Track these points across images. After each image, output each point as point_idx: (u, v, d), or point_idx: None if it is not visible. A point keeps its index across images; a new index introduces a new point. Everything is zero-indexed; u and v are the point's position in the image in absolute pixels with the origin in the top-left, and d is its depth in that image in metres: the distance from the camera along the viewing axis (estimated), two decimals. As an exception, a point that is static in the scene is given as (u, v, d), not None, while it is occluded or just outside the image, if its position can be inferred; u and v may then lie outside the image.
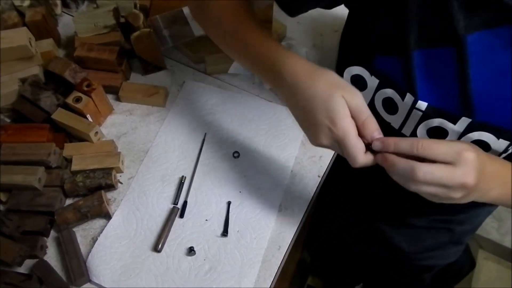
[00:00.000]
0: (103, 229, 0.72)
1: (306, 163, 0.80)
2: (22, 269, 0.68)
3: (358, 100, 0.49)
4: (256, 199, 0.76)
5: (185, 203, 0.75)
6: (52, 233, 0.73)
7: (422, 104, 0.55)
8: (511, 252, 1.59)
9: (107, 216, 0.74)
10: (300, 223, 0.74)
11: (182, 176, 0.77)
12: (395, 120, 0.61)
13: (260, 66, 0.58)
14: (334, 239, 1.11)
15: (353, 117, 0.49)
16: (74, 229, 0.73)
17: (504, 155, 0.54)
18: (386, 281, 1.10)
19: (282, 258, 0.71)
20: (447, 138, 0.56)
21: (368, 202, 0.88)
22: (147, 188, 0.76)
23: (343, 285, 1.39)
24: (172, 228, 0.72)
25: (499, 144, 0.53)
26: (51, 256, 0.71)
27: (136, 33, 0.82)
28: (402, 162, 0.46)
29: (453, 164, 0.45)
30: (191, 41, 0.89)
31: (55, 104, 0.79)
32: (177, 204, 0.75)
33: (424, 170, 0.45)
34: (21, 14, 0.88)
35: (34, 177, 0.71)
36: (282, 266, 0.71)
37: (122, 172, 0.78)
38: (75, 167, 0.76)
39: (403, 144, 0.47)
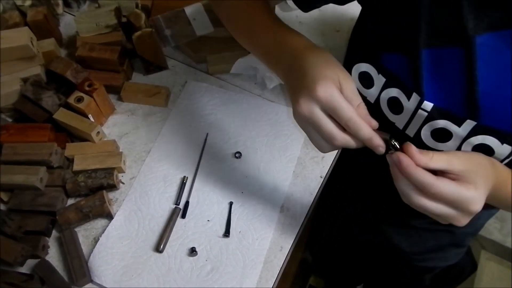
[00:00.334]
0: (105, 229, 0.72)
1: (308, 163, 0.80)
2: (23, 269, 0.68)
3: (354, 85, 0.49)
4: (258, 199, 0.75)
5: (187, 203, 0.75)
6: (54, 233, 0.73)
7: (428, 105, 0.54)
8: (513, 253, 1.58)
9: (109, 216, 0.73)
10: (302, 224, 0.74)
11: (184, 177, 0.77)
12: (399, 120, 0.60)
13: (269, 46, 0.57)
14: (336, 240, 1.10)
15: (348, 99, 0.47)
16: (76, 229, 0.73)
17: (507, 160, 0.54)
18: (387, 281, 1.10)
19: (284, 259, 0.70)
20: (451, 141, 0.55)
21: (369, 203, 0.88)
22: (149, 188, 0.76)
23: (345, 285, 1.39)
24: (174, 229, 0.72)
25: (502, 149, 0.52)
26: (53, 256, 0.71)
27: (137, 33, 0.82)
28: (403, 184, 0.45)
29: (458, 210, 0.44)
30: (193, 41, 0.88)
31: (57, 104, 0.79)
32: (179, 205, 0.75)
33: (417, 205, 0.44)
34: (23, 14, 0.88)
35: (36, 177, 0.71)
36: (284, 267, 0.71)
37: (124, 172, 0.78)
38: (76, 167, 0.76)
39: (418, 178, 0.43)
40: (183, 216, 0.73)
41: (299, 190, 0.77)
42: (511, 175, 0.51)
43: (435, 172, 0.45)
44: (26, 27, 0.80)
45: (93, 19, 0.86)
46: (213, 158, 0.80)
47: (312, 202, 0.76)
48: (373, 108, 0.61)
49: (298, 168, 0.79)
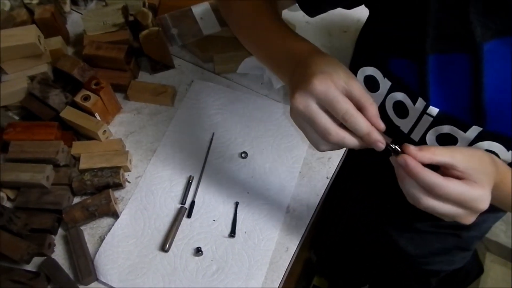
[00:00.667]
0: (110, 228, 0.72)
1: (315, 164, 0.80)
2: (30, 267, 0.69)
3: (360, 85, 0.47)
4: (264, 200, 0.75)
5: (192, 203, 0.75)
6: (60, 231, 0.73)
7: (433, 110, 0.54)
8: (518, 255, 1.58)
9: (115, 215, 0.73)
10: (308, 225, 0.74)
11: (190, 176, 0.77)
12: (404, 125, 0.60)
13: (275, 51, 0.56)
14: (341, 241, 1.10)
15: (356, 98, 0.45)
16: (82, 228, 0.73)
17: None
18: (392, 284, 1.09)
19: (290, 260, 0.70)
20: (457, 145, 0.55)
21: (375, 204, 0.88)
22: (154, 187, 0.76)
23: (349, 286, 1.38)
24: (180, 228, 0.72)
25: (508, 155, 0.52)
26: (59, 254, 0.71)
27: (144, 32, 0.81)
28: (411, 186, 0.44)
29: (465, 209, 0.44)
30: (199, 40, 0.88)
31: (64, 102, 0.79)
32: (184, 204, 0.75)
33: (425, 206, 0.43)
34: (30, 12, 0.88)
35: (42, 175, 0.72)
36: (289, 268, 0.71)
37: (130, 171, 0.78)
38: (83, 165, 0.76)
39: (425, 179, 0.43)
40: (189, 216, 0.73)
41: (305, 191, 0.77)
42: (511, 173, 0.51)
43: (439, 169, 0.44)
44: (34, 25, 0.80)
45: (100, 17, 0.86)
46: (219, 158, 0.79)
47: (318, 203, 0.76)
48: (379, 112, 0.61)
49: (304, 168, 0.79)
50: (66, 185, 0.74)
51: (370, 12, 0.62)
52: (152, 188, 0.76)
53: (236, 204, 0.75)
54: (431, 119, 0.55)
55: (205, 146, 0.81)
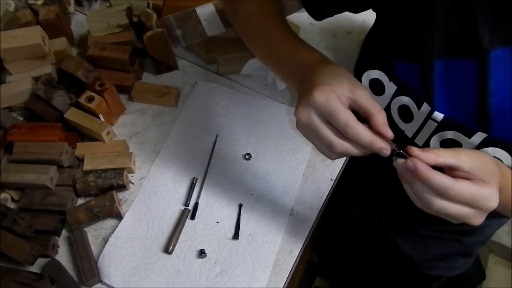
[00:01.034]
0: (114, 230, 0.72)
1: (319, 166, 0.79)
2: (33, 268, 0.69)
3: (367, 92, 0.47)
4: (267, 202, 0.75)
5: (196, 204, 0.75)
6: (64, 232, 0.73)
7: (438, 115, 0.54)
8: (522, 257, 1.57)
9: (119, 217, 0.73)
10: (311, 227, 0.74)
11: (194, 178, 0.77)
12: (409, 129, 0.60)
13: (283, 59, 0.56)
14: (344, 243, 1.10)
15: (363, 106, 0.45)
16: (86, 229, 0.73)
17: None
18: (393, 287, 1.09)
19: (293, 263, 0.70)
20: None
21: (378, 208, 0.88)
22: (158, 189, 0.76)
23: (351, 288, 1.38)
24: (183, 230, 0.72)
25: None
26: (62, 256, 0.71)
27: (149, 33, 0.81)
28: (421, 190, 0.43)
29: (475, 209, 0.43)
30: (203, 41, 0.88)
31: (68, 103, 0.79)
32: (188, 206, 0.75)
33: (438, 208, 0.42)
34: (35, 13, 0.88)
35: (46, 176, 0.72)
36: (293, 271, 0.70)
37: (133, 172, 0.78)
38: (87, 166, 0.76)
39: (436, 182, 0.42)
40: (193, 218, 0.73)
41: (309, 193, 0.77)
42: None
43: (443, 171, 0.44)
44: (39, 26, 0.80)
45: (104, 18, 0.86)
46: (222, 160, 0.79)
47: (322, 205, 0.76)
48: None
49: (308, 170, 0.79)
50: (70, 186, 0.74)
51: (377, 15, 0.62)
52: (155, 189, 0.76)
53: (240, 206, 0.74)
54: (436, 124, 0.55)
55: (209, 147, 0.81)
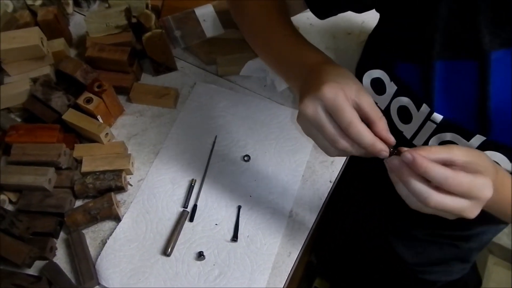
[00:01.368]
0: (112, 232, 0.72)
1: (318, 167, 0.79)
2: (31, 271, 0.68)
3: (371, 98, 0.47)
4: (266, 203, 0.75)
5: (195, 206, 0.74)
6: (62, 234, 0.73)
7: (437, 117, 0.53)
8: (521, 258, 1.57)
9: (117, 219, 0.73)
10: (311, 229, 0.73)
11: (192, 179, 0.77)
12: (407, 130, 0.60)
13: (287, 58, 0.56)
14: (343, 245, 1.10)
15: (365, 112, 0.45)
16: (84, 231, 0.72)
17: None
18: None
19: (292, 265, 0.70)
20: None
21: (377, 209, 0.87)
22: (157, 190, 0.76)
23: (350, 289, 1.38)
24: (182, 232, 0.72)
25: (510, 166, 0.51)
26: (60, 258, 0.70)
27: (147, 34, 0.81)
28: (418, 184, 0.42)
29: (471, 200, 0.43)
30: (202, 42, 0.88)
31: (66, 105, 0.79)
32: (186, 208, 0.74)
33: (436, 202, 0.42)
34: (33, 13, 0.88)
35: (44, 178, 0.71)
36: (292, 273, 0.70)
37: (132, 174, 0.78)
38: (85, 168, 0.75)
39: (436, 173, 0.41)
40: (191, 220, 0.73)
41: (308, 195, 0.77)
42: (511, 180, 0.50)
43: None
44: (37, 27, 0.80)
45: (103, 19, 0.86)
46: (221, 161, 0.79)
47: (321, 207, 0.76)
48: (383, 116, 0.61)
49: (308, 172, 0.79)
50: (68, 188, 0.74)
51: (380, 16, 0.62)
52: (154, 191, 0.76)
53: (239, 208, 0.74)
54: (435, 125, 0.55)
55: (208, 149, 0.80)
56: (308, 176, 0.78)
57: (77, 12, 0.97)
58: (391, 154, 0.44)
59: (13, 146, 0.75)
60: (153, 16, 0.84)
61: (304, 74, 0.51)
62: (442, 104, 0.53)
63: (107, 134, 0.78)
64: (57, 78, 0.83)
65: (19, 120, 0.82)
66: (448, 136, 0.54)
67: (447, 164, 0.42)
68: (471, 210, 0.43)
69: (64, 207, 0.71)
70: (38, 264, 0.68)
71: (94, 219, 0.71)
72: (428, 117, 0.55)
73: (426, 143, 0.58)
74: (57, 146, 0.74)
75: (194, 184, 0.76)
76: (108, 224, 0.74)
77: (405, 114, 0.58)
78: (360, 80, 0.60)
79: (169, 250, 0.69)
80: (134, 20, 0.88)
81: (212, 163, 0.79)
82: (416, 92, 0.55)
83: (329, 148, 0.47)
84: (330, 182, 0.78)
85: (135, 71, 0.86)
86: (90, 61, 0.83)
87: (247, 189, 0.76)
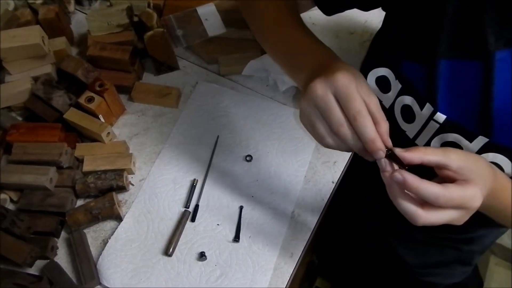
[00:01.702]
0: (114, 231, 0.72)
1: (320, 168, 0.79)
2: (32, 270, 0.68)
3: (378, 101, 0.46)
4: (268, 204, 0.74)
5: (196, 206, 0.74)
6: (63, 234, 0.72)
7: (441, 117, 0.53)
8: (523, 259, 1.56)
9: (118, 218, 0.73)
10: (313, 230, 0.73)
11: (194, 179, 0.76)
12: (410, 129, 0.59)
13: (295, 50, 0.56)
14: (344, 246, 1.09)
15: (372, 112, 0.45)
16: (85, 231, 0.72)
17: None
18: None
19: (294, 266, 0.70)
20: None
21: (378, 211, 0.87)
22: (158, 190, 0.76)
23: (351, 289, 1.37)
24: (183, 232, 0.71)
25: None
26: (62, 258, 0.70)
27: (149, 33, 0.81)
28: (407, 204, 0.42)
29: (459, 210, 0.43)
30: (204, 41, 0.87)
31: (67, 104, 0.78)
32: (188, 208, 0.74)
33: (424, 222, 0.42)
34: (34, 12, 0.88)
35: (46, 177, 0.71)
36: (294, 274, 0.70)
37: (133, 173, 0.77)
38: (86, 167, 0.75)
39: (426, 191, 0.41)
40: (193, 220, 0.73)
41: (311, 195, 0.76)
42: (511, 185, 0.49)
43: (432, 170, 0.43)
44: (38, 26, 0.80)
45: (104, 18, 0.85)
46: (223, 161, 0.79)
47: (323, 208, 0.75)
48: (387, 114, 0.60)
49: (310, 172, 0.78)
50: (69, 187, 0.74)
51: (386, 15, 0.61)
52: (156, 191, 0.75)
53: (241, 208, 0.74)
54: (438, 125, 0.54)
55: (210, 148, 0.80)
56: (310, 177, 0.78)
57: (79, 10, 0.97)
58: (387, 154, 0.44)
59: (14, 145, 0.75)
60: (155, 15, 0.83)
61: (314, 65, 0.51)
62: (446, 104, 0.52)
63: (108, 133, 0.77)
64: (58, 77, 0.83)
65: (20, 119, 0.82)
66: (451, 137, 0.54)
67: (441, 168, 0.43)
68: (460, 220, 0.44)
69: (65, 207, 0.71)
70: (39, 263, 0.68)
71: (95, 219, 0.71)
72: (431, 117, 0.54)
73: (428, 143, 0.57)
74: (59, 145, 0.74)
75: (196, 184, 0.76)
76: (109, 224, 0.73)
77: (408, 113, 0.58)
78: (365, 78, 0.60)
79: (171, 250, 0.69)
80: (135, 18, 0.88)
81: (214, 163, 0.78)
82: (420, 91, 0.54)
83: (326, 137, 0.46)
84: (333, 182, 0.78)
85: (137, 70, 0.86)
86: (91, 60, 0.82)
87: (249, 189, 0.76)
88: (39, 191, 0.72)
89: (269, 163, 0.78)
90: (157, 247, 0.70)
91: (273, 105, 0.85)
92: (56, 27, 0.86)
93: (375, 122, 0.44)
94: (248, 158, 0.79)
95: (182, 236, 0.71)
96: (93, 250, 0.71)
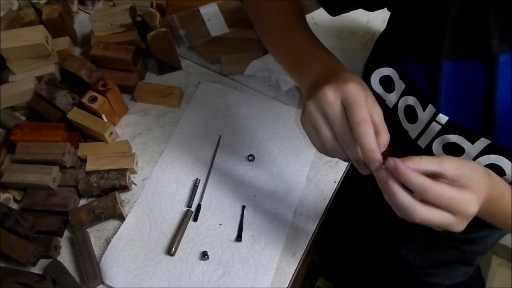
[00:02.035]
0: (116, 231, 0.72)
1: (322, 168, 0.79)
2: (35, 269, 0.68)
3: (381, 113, 0.47)
4: (271, 204, 0.75)
5: (199, 206, 0.74)
6: (66, 233, 0.73)
7: (443, 118, 0.53)
8: (525, 259, 1.56)
9: (121, 218, 0.73)
10: (315, 230, 0.73)
11: (196, 179, 0.76)
12: (413, 130, 0.59)
13: (301, 55, 0.57)
14: (345, 246, 1.09)
15: (375, 123, 0.45)
16: (88, 230, 0.72)
17: None
18: None
19: (296, 265, 0.70)
20: (463, 156, 0.54)
21: (379, 212, 0.87)
22: (161, 190, 0.76)
23: (353, 289, 1.37)
24: (186, 232, 0.72)
25: None
26: (65, 257, 0.71)
27: (152, 33, 0.81)
28: (405, 197, 0.42)
29: (455, 214, 0.43)
30: (207, 41, 0.88)
31: (71, 103, 0.79)
32: (191, 207, 0.74)
33: (421, 217, 0.42)
34: (38, 12, 0.88)
35: (49, 176, 0.71)
36: (296, 273, 0.70)
37: (136, 173, 0.78)
38: (89, 167, 0.75)
39: (416, 182, 0.41)
40: (195, 219, 0.73)
41: (313, 195, 0.76)
42: (511, 192, 0.49)
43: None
44: (42, 26, 0.80)
45: (107, 17, 0.85)
46: (226, 161, 0.79)
47: (326, 208, 0.75)
48: (391, 114, 0.60)
49: (312, 172, 0.78)
50: (72, 187, 0.74)
51: (390, 15, 0.61)
52: (158, 190, 0.76)
53: (243, 207, 0.74)
54: (440, 127, 0.54)
55: (212, 148, 0.80)
56: (312, 176, 0.78)
57: (82, 10, 0.97)
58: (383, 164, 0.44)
59: (18, 145, 0.75)
60: (158, 15, 0.84)
61: (319, 70, 0.52)
62: (448, 105, 0.53)
63: (111, 133, 0.78)
64: (61, 77, 0.83)
65: (23, 118, 0.82)
66: (453, 138, 0.54)
67: (437, 176, 0.42)
68: (457, 225, 0.44)
69: (68, 206, 0.71)
70: (43, 262, 0.69)
71: (98, 218, 0.71)
72: (434, 118, 0.54)
73: (430, 144, 0.57)
74: (62, 145, 0.74)
75: (198, 183, 0.76)
76: (112, 223, 0.74)
77: (411, 114, 0.58)
78: (369, 78, 0.60)
79: (173, 249, 0.69)
80: (138, 18, 0.88)
81: (216, 163, 0.79)
82: (423, 92, 0.55)
83: (327, 142, 0.47)
84: (335, 182, 0.78)
85: (140, 70, 0.86)
86: (94, 60, 0.83)
87: (251, 189, 0.76)
88: (43, 191, 0.73)
89: (271, 163, 0.79)
90: (160, 246, 0.71)
91: (275, 105, 0.85)
92: (59, 27, 0.87)
93: (377, 132, 0.45)
94: (250, 158, 0.79)
95: (184, 235, 0.71)
96: (96, 249, 0.71)
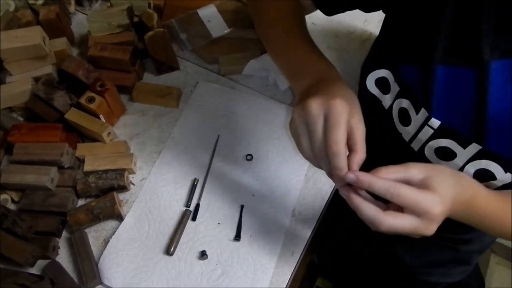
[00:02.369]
0: (115, 231, 0.72)
1: (320, 167, 0.79)
2: (34, 270, 0.68)
3: (364, 132, 0.48)
4: (269, 203, 0.75)
5: (197, 206, 0.74)
6: (64, 234, 0.73)
7: (435, 122, 0.53)
8: (524, 258, 1.56)
9: (119, 218, 0.73)
10: (313, 228, 0.73)
11: (195, 179, 0.76)
12: (406, 132, 0.60)
13: (298, 59, 0.58)
14: (343, 246, 1.09)
15: (354, 140, 0.47)
16: (86, 230, 0.72)
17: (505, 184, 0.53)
18: None
19: (295, 264, 0.70)
20: (455, 160, 0.54)
21: None
22: (159, 190, 0.76)
23: (352, 289, 1.37)
24: (184, 231, 0.72)
25: (505, 177, 0.52)
26: (63, 257, 0.70)
27: (150, 33, 0.81)
28: (368, 209, 0.44)
29: (420, 217, 0.44)
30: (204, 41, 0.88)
31: (68, 104, 0.78)
32: (189, 207, 0.74)
33: (387, 225, 0.43)
34: (35, 12, 0.88)
35: (47, 177, 0.71)
36: (295, 272, 0.70)
37: (134, 173, 0.78)
38: (87, 167, 0.75)
39: (379, 186, 0.43)
40: (194, 219, 0.73)
41: (311, 194, 0.76)
42: (492, 197, 0.50)
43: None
44: (39, 26, 0.80)
45: (105, 18, 0.85)
46: (224, 160, 0.79)
47: (324, 207, 0.76)
48: (385, 116, 0.61)
49: (310, 171, 0.78)
50: (70, 187, 0.74)
51: (385, 17, 0.62)
52: (156, 190, 0.76)
53: (241, 207, 0.74)
54: (432, 131, 0.55)
55: (210, 148, 0.80)
56: (310, 175, 0.78)
57: (79, 11, 0.97)
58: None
59: (16, 146, 0.75)
60: (155, 15, 0.84)
61: (312, 80, 0.53)
62: (441, 109, 0.53)
63: (109, 133, 0.78)
64: (59, 78, 0.83)
65: (21, 119, 0.82)
66: (445, 142, 0.54)
67: (406, 183, 0.44)
68: (425, 228, 0.45)
69: (66, 206, 0.71)
70: (41, 263, 0.68)
71: (96, 218, 0.71)
72: (426, 122, 0.55)
73: (423, 147, 0.58)
74: (60, 146, 0.74)
75: (196, 183, 0.76)
76: (110, 224, 0.73)
77: (404, 117, 0.58)
78: (365, 79, 0.61)
79: (172, 249, 0.69)
80: (136, 19, 0.88)
81: (214, 163, 0.79)
82: (416, 95, 0.55)
83: (306, 152, 0.49)
84: (333, 181, 0.78)
85: (137, 71, 0.86)
86: (92, 60, 0.83)
87: (249, 189, 0.76)
88: (41, 191, 0.72)
89: (269, 162, 0.79)
90: (158, 246, 0.71)
91: (273, 104, 0.85)
92: (56, 27, 0.87)
93: (354, 150, 0.46)
94: (248, 157, 0.79)
95: (183, 235, 0.71)
96: (95, 249, 0.71)
